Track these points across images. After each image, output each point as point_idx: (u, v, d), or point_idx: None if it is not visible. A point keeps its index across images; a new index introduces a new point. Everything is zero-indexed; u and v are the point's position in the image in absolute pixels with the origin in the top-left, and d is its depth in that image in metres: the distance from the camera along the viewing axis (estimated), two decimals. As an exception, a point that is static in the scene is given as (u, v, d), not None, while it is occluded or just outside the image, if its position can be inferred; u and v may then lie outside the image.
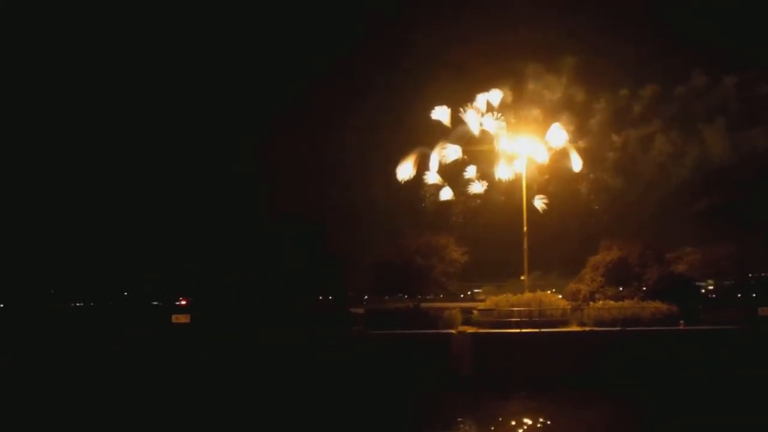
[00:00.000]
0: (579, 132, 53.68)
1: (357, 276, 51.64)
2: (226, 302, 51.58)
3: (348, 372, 39.90)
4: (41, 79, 70.44)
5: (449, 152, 52.27)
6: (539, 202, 51.58)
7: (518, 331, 42.53)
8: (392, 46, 73.66)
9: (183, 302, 59.63)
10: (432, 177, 52.61)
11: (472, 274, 54.76)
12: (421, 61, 68.51)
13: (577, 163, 51.52)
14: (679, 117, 55.92)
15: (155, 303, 59.30)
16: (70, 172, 65.38)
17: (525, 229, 49.32)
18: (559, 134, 51.24)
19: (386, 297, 49.70)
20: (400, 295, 50.44)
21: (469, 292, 62.20)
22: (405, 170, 52.74)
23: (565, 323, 44.57)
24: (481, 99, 52.73)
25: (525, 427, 29.78)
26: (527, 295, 46.61)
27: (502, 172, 51.38)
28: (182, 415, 33.18)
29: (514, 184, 51.41)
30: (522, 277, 49.79)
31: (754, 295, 52.81)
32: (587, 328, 43.10)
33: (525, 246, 49.15)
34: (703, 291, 55.38)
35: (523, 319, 43.51)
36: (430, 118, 52.93)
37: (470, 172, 52.40)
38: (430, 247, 47.84)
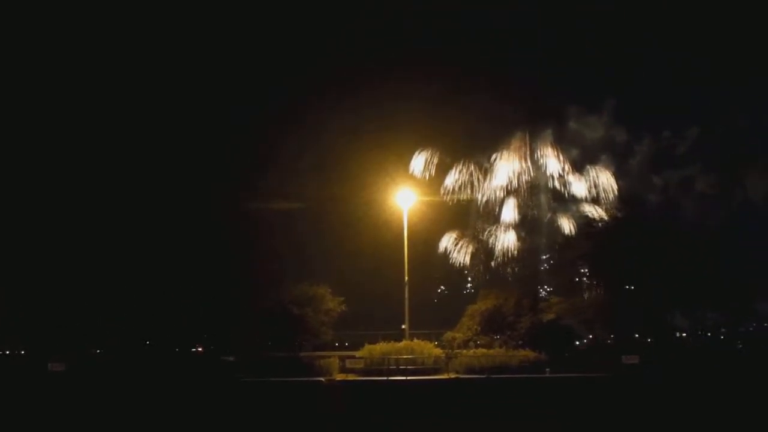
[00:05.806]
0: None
1: (242, 324, 51.43)
2: (105, 349, 50.94)
3: (221, 420, 39.99)
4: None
5: None
6: None
7: (386, 378, 43.41)
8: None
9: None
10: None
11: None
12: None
13: None
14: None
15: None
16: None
17: (407, 278, 50.90)
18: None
19: (269, 345, 49.75)
20: (288, 343, 50.53)
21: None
22: None
23: (437, 371, 45.56)
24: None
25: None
26: (402, 343, 47.66)
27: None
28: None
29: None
30: (403, 326, 50.85)
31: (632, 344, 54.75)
32: (454, 376, 44.18)
33: (406, 295, 50.53)
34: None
35: (392, 367, 44.39)
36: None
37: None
38: (306, 296, 48.67)
